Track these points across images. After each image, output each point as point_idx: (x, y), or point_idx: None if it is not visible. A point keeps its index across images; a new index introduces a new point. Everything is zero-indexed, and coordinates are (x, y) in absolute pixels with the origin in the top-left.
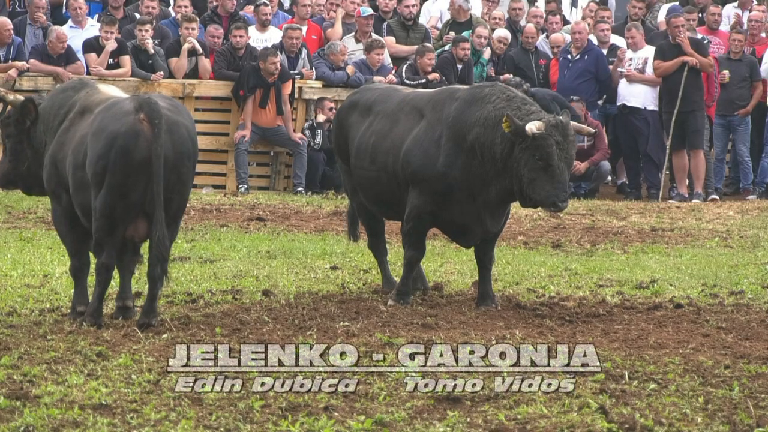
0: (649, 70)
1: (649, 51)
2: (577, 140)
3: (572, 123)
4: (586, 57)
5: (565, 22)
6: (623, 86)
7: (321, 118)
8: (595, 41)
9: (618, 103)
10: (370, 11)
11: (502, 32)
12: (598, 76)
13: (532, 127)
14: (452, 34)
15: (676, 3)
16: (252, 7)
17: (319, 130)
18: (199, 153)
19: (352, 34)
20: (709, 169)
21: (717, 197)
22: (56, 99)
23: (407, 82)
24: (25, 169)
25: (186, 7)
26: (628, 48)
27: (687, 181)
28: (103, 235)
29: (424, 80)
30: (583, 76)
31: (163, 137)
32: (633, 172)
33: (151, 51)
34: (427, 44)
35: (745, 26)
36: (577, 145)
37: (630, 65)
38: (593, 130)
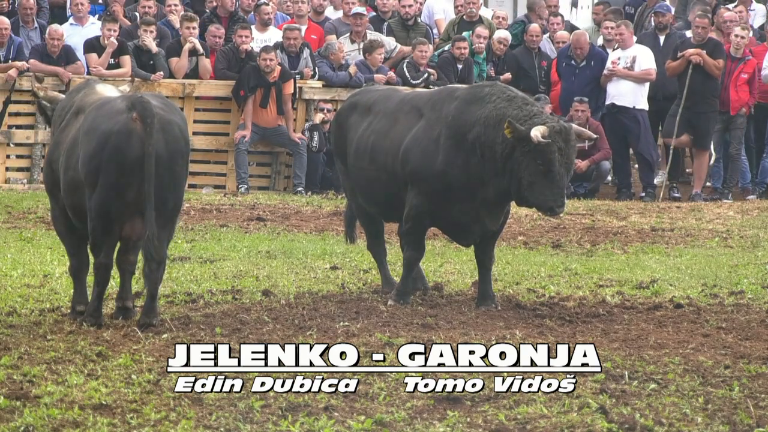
0: (638, 68)
1: (637, 50)
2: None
3: (574, 127)
4: (592, 63)
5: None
6: (612, 86)
7: (317, 119)
8: (600, 41)
9: (607, 103)
10: (359, 9)
11: (502, 33)
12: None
13: (537, 134)
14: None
15: (666, 2)
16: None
17: (315, 132)
18: (199, 153)
19: (347, 34)
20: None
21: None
22: (64, 101)
23: (412, 81)
24: None
25: (176, 5)
26: (616, 46)
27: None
28: (99, 235)
29: (426, 75)
30: (593, 82)
31: (155, 136)
32: (623, 171)
33: (154, 51)
34: (422, 38)
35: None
36: (577, 147)
37: (618, 64)
38: (595, 136)
